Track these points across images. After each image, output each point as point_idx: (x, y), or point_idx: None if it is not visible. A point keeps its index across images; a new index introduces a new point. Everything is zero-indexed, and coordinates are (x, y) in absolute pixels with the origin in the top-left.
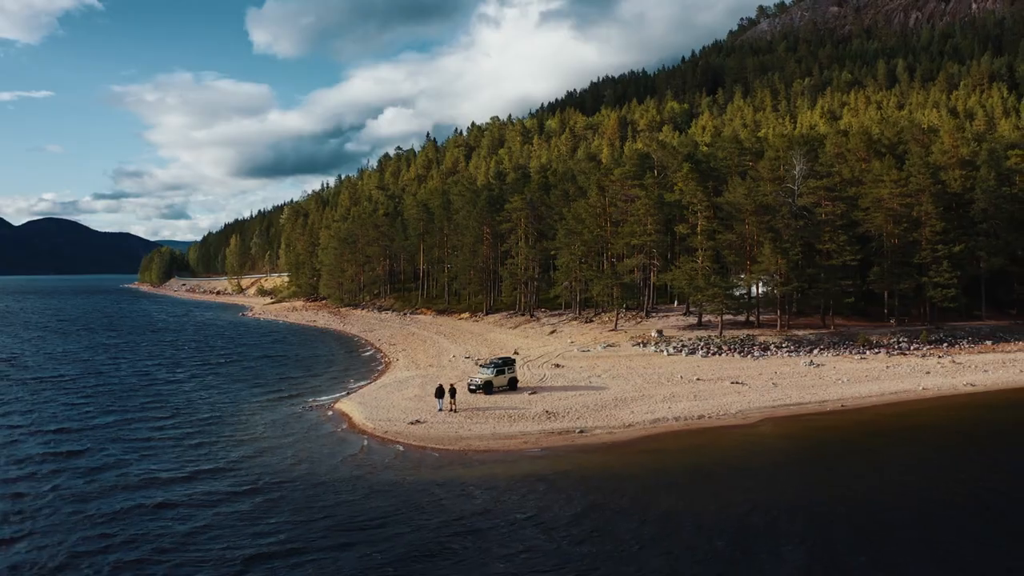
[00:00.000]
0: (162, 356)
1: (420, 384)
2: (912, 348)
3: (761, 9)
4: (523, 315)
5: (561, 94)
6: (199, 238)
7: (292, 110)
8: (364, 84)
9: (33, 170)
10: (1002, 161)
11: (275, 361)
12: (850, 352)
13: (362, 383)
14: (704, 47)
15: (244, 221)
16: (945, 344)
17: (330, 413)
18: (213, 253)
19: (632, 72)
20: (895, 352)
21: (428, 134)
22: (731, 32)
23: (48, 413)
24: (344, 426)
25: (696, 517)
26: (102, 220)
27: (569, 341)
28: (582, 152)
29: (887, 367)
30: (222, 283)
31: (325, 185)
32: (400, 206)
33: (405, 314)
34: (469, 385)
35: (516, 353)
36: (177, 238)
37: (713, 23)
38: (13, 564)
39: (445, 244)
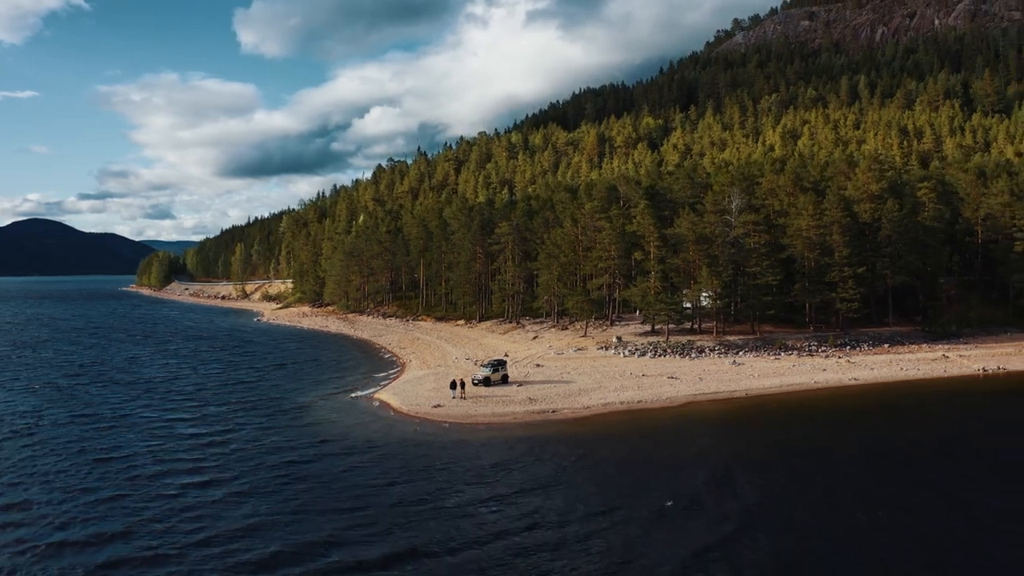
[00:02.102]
0: (223, 361)
1: (434, 379)
2: (820, 350)
3: (736, 22)
4: (511, 322)
5: (547, 93)
6: (184, 238)
7: (278, 110)
8: (350, 84)
9: (18, 171)
10: (915, 191)
11: (317, 364)
12: (768, 354)
13: (389, 379)
14: (682, 59)
15: (243, 227)
16: (848, 347)
17: (375, 401)
18: (212, 258)
19: (612, 84)
20: (805, 353)
21: (419, 148)
22: (708, 43)
23: (178, 407)
24: (388, 410)
25: (634, 456)
26: (87, 220)
27: (548, 346)
28: (563, 168)
29: (793, 365)
30: (226, 288)
31: (321, 194)
32: (400, 223)
33: (408, 320)
34: (473, 380)
35: (506, 355)
36: (162, 238)
37: (699, 23)
38: (241, 485)
39: (443, 260)
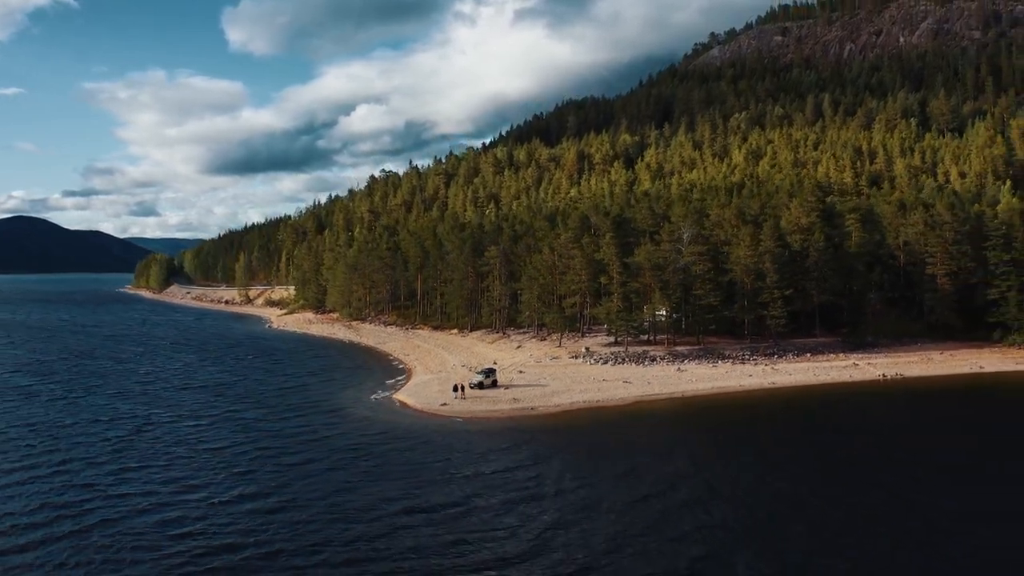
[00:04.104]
0: (263, 368)
1: (438, 383)
2: (751, 359)
3: (713, 35)
4: (498, 333)
5: (534, 92)
6: (169, 235)
7: (265, 107)
8: (337, 81)
9: (2, 168)
10: (845, 221)
11: (343, 370)
12: (708, 362)
13: (402, 383)
14: (660, 71)
15: (242, 233)
16: (776, 356)
17: (392, 400)
18: (211, 262)
19: (593, 97)
20: (738, 362)
21: (411, 161)
22: (686, 55)
23: (253, 409)
24: (408, 409)
25: (594, 440)
26: (71, 217)
27: (529, 354)
28: (546, 184)
29: (727, 372)
30: (229, 293)
31: (317, 202)
32: (397, 238)
33: (407, 329)
34: (470, 384)
35: (495, 363)
36: (147, 235)
37: (687, 23)
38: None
39: (438, 277)
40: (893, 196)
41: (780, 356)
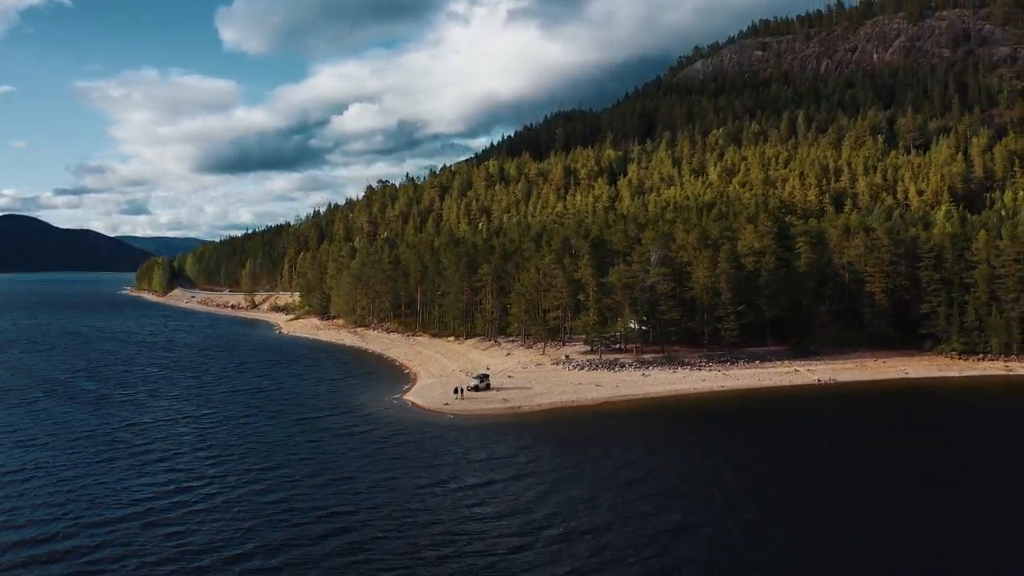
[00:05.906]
0: (293, 375)
1: (440, 386)
2: (707, 365)
3: (697, 49)
4: (490, 341)
5: (527, 92)
6: (160, 234)
7: (258, 106)
8: (330, 80)
9: None
10: (796, 243)
11: (361, 376)
12: (670, 368)
13: (410, 386)
14: (646, 83)
15: (244, 239)
16: (729, 363)
17: (404, 400)
18: (214, 267)
19: (580, 110)
20: (695, 368)
21: (407, 174)
22: (671, 68)
23: (299, 409)
24: (418, 408)
25: (572, 434)
26: (62, 215)
27: (517, 361)
28: (535, 198)
29: (684, 376)
30: (235, 298)
31: (317, 211)
32: (397, 251)
33: (408, 336)
34: (468, 387)
35: (488, 368)
36: (137, 233)
37: (680, 23)
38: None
39: (436, 289)
40: (839, 220)
41: (732, 363)
